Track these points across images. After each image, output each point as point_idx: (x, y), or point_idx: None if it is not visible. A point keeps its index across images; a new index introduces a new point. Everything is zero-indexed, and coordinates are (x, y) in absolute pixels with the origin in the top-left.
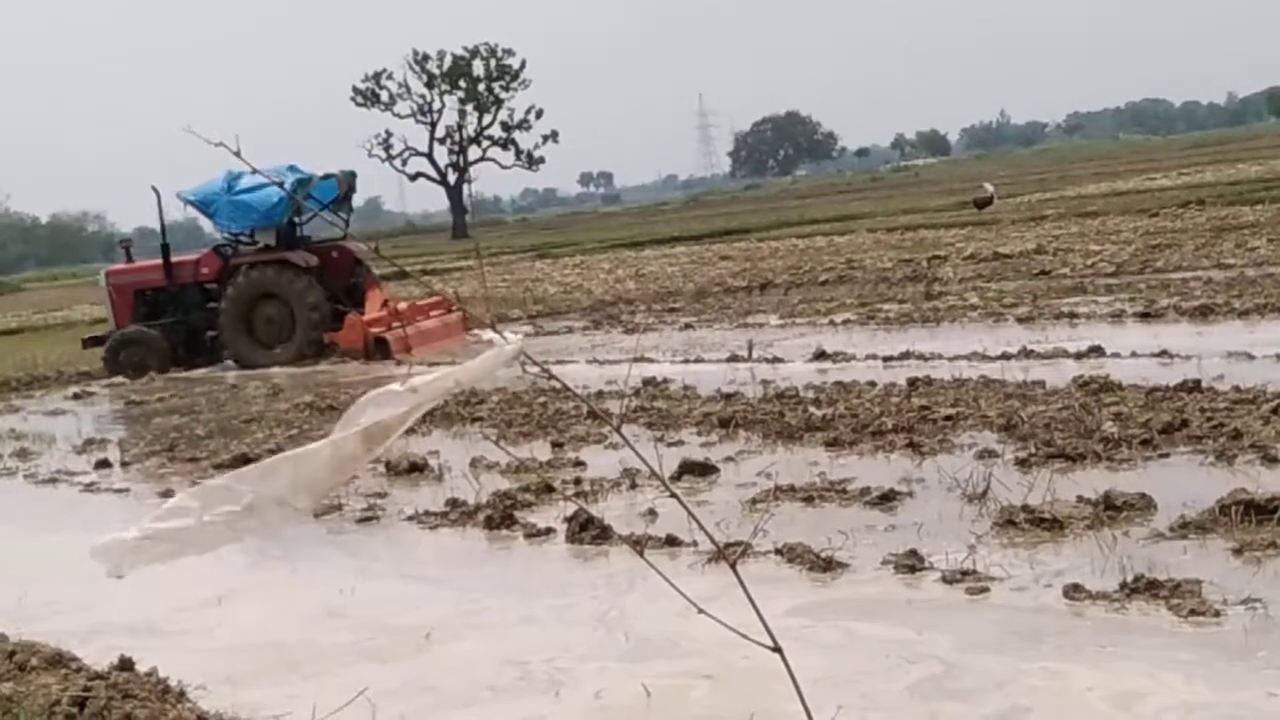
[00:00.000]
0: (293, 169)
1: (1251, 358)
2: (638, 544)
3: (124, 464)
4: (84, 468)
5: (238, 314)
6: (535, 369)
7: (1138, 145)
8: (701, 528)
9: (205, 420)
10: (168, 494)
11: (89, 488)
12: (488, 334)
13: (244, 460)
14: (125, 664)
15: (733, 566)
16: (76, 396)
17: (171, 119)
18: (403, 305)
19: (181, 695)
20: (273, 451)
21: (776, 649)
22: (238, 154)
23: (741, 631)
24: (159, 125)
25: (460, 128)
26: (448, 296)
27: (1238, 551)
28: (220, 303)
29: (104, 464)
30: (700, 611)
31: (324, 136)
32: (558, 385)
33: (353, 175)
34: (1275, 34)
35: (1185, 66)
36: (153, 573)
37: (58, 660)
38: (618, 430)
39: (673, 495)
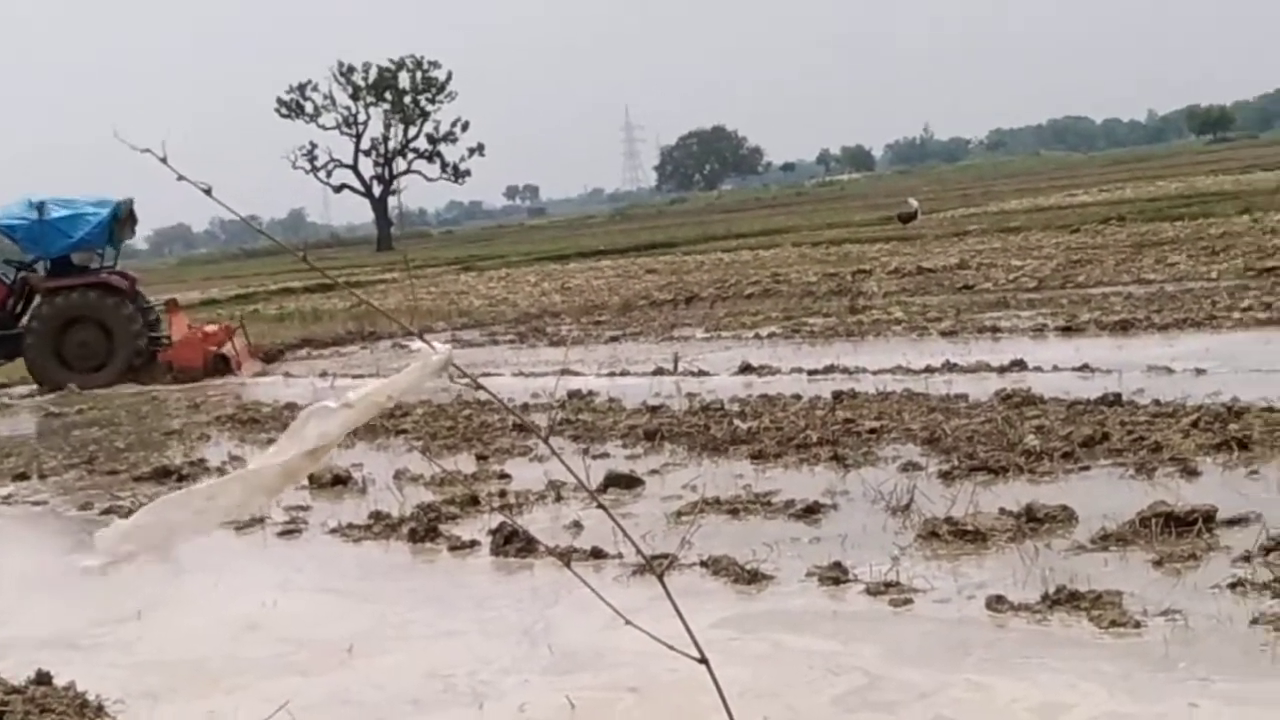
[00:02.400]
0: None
1: (1171, 372)
2: (564, 556)
3: (42, 476)
4: (0, 480)
5: (46, 339)
6: (463, 380)
7: (1059, 162)
8: (629, 539)
9: (125, 433)
10: (86, 506)
11: (5, 500)
12: (416, 344)
13: (164, 473)
14: (42, 678)
15: (660, 578)
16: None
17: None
18: (211, 327)
19: (100, 710)
20: (193, 465)
21: (703, 660)
22: (164, 161)
23: (668, 643)
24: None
25: (386, 140)
26: (226, 328)
27: (1158, 563)
28: (11, 329)
29: (22, 476)
30: (628, 623)
31: (246, 148)
32: (484, 396)
33: (131, 202)
34: (1194, 54)
35: (1106, 85)
36: (71, 586)
37: None
38: (545, 441)
39: (600, 506)
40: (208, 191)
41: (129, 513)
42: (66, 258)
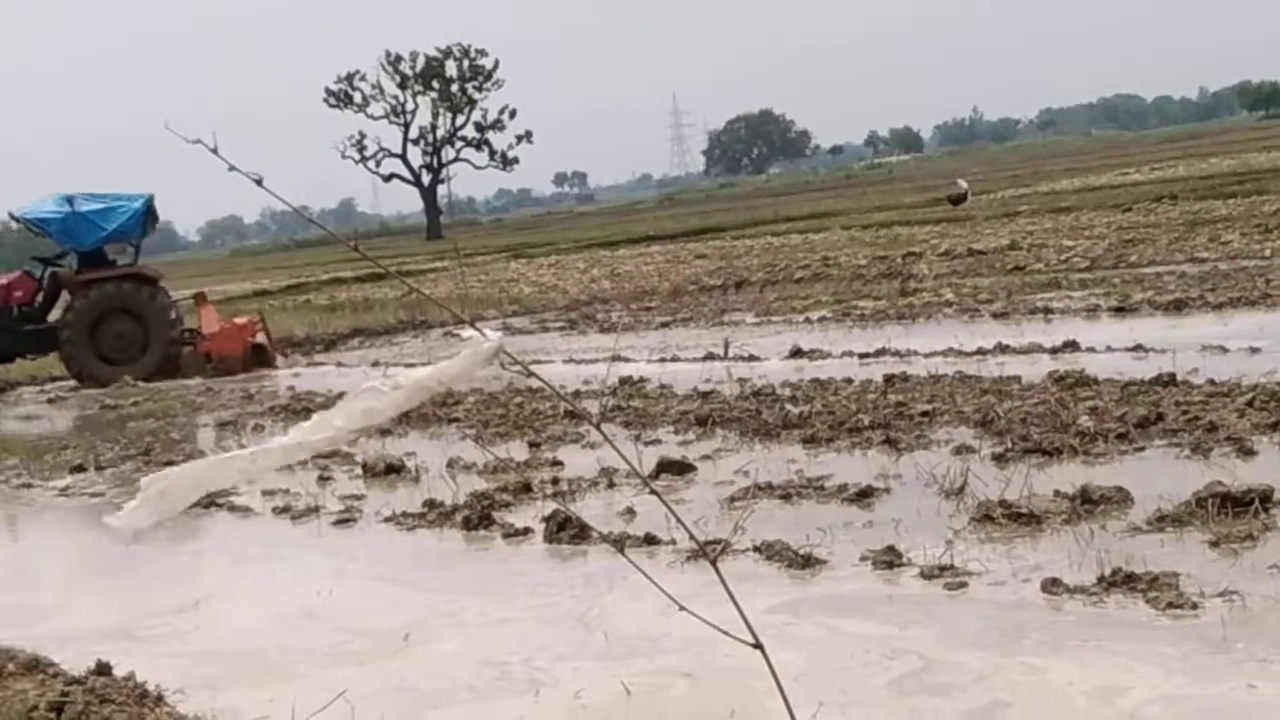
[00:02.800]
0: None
1: (1225, 351)
2: (618, 542)
3: (99, 468)
4: (59, 471)
5: (82, 333)
6: (515, 367)
7: (1110, 140)
8: (682, 524)
9: (180, 424)
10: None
11: (63, 492)
12: (468, 332)
13: None
14: (102, 669)
15: (713, 563)
16: (50, 401)
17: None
18: (241, 320)
19: (160, 699)
20: None
21: (758, 645)
22: (214, 151)
23: (723, 628)
24: (130, 127)
25: (434, 128)
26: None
27: (1214, 544)
28: (41, 324)
29: (79, 469)
30: (681, 608)
31: (295, 137)
32: (535, 384)
33: (153, 198)
34: (1246, 28)
35: (1157, 61)
36: (129, 576)
37: (34, 665)
38: (598, 428)
39: (653, 492)
40: (259, 182)
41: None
42: (95, 252)
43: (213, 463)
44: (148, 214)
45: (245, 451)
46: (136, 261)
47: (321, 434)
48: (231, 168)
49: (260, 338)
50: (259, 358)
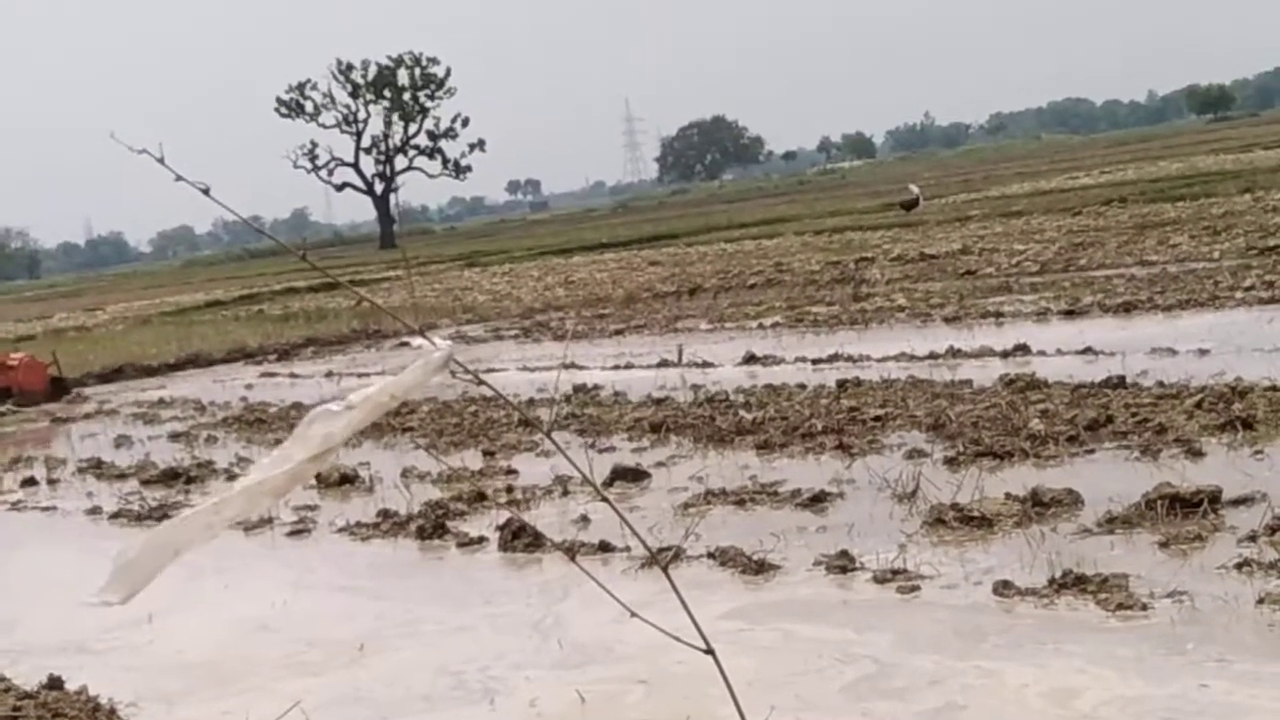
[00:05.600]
0: None
1: (1174, 353)
2: (571, 550)
3: (50, 481)
4: (10, 486)
5: None
6: (466, 376)
7: (1060, 144)
8: (634, 532)
9: (130, 437)
10: (95, 511)
11: (15, 506)
12: (418, 342)
13: (173, 475)
14: (54, 683)
15: (665, 570)
16: (1, 414)
17: (92, 134)
18: (15, 356)
19: (112, 713)
20: (201, 466)
21: (709, 651)
22: (161, 161)
23: (674, 635)
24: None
25: (386, 137)
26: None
27: (1164, 545)
28: None
29: (30, 482)
30: (634, 616)
31: (247, 148)
32: (489, 393)
33: None
34: (1194, 33)
35: (1106, 65)
36: (83, 591)
37: None
38: (549, 436)
39: (604, 500)
40: (206, 191)
41: (147, 516)
42: None
43: (175, 524)
44: None
45: (207, 504)
46: None
47: (282, 469)
48: (178, 177)
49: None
50: (57, 389)
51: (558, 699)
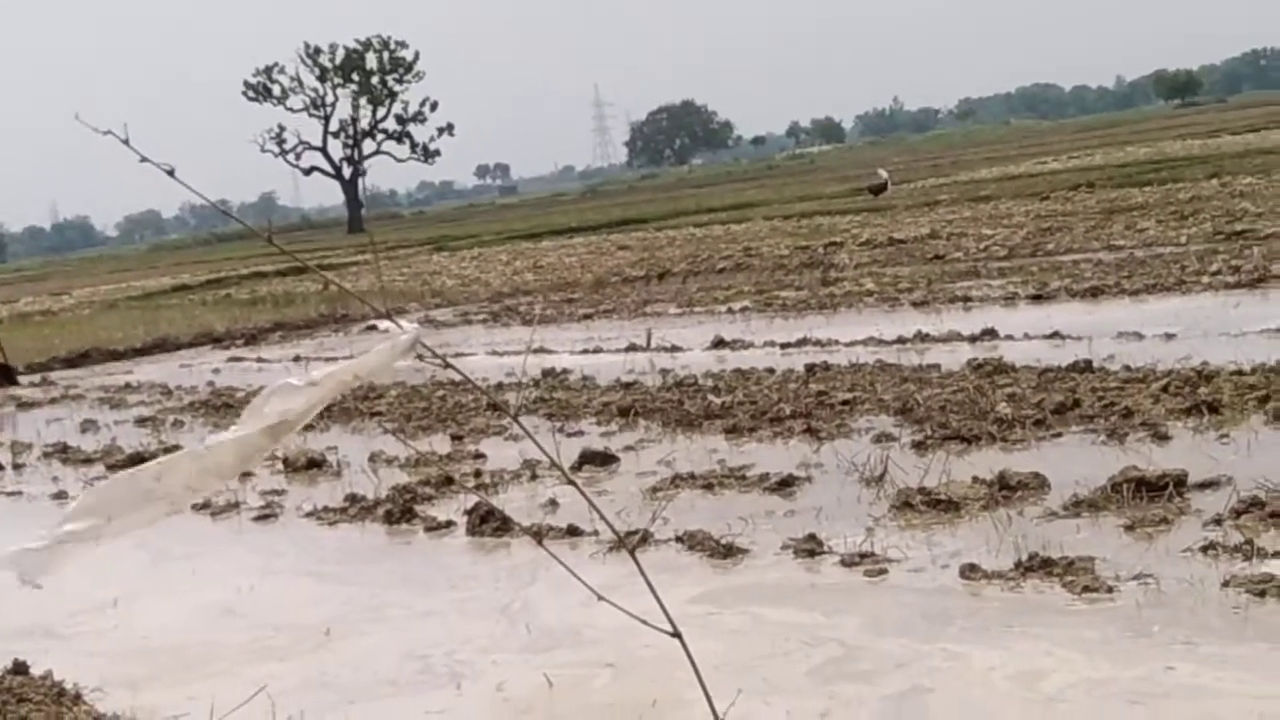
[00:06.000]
0: None
1: (1141, 337)
2: (538, 534)
3: (16, 466)
4: None
5: None
6: (433, 359)
7: (1028, 130)
8: (601, 516)
9: (96, 422)
10: (61, 495)
11: None
12: (385, 325)
13: (139, 459)
14: (19, 668)
15: (632, 553)
16: (9, 393)
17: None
18: None
19: (78, 698)
20: (168, 451)
21: (676, 634)
22: (126, 142)
23: (641, 617)
24: (44, 123)
25: (354, 121)
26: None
27: (1129, 528)
28: None
29: None
30: (601, 599)
31: (214, 131)
32: (458, 377)
33: None
34: (1162, 18)
35: (1074, 51)
36: (47, 574)
37: None
38: (516, 420)
39: (571, 484)
40: (170, 173)
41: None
42: None
43: (111, 483)
44: None
45: (150, 466)
46: None
47: (236, 450)
48: (143, 159)
49: None
50: (3, 376)
51: (525, 682)
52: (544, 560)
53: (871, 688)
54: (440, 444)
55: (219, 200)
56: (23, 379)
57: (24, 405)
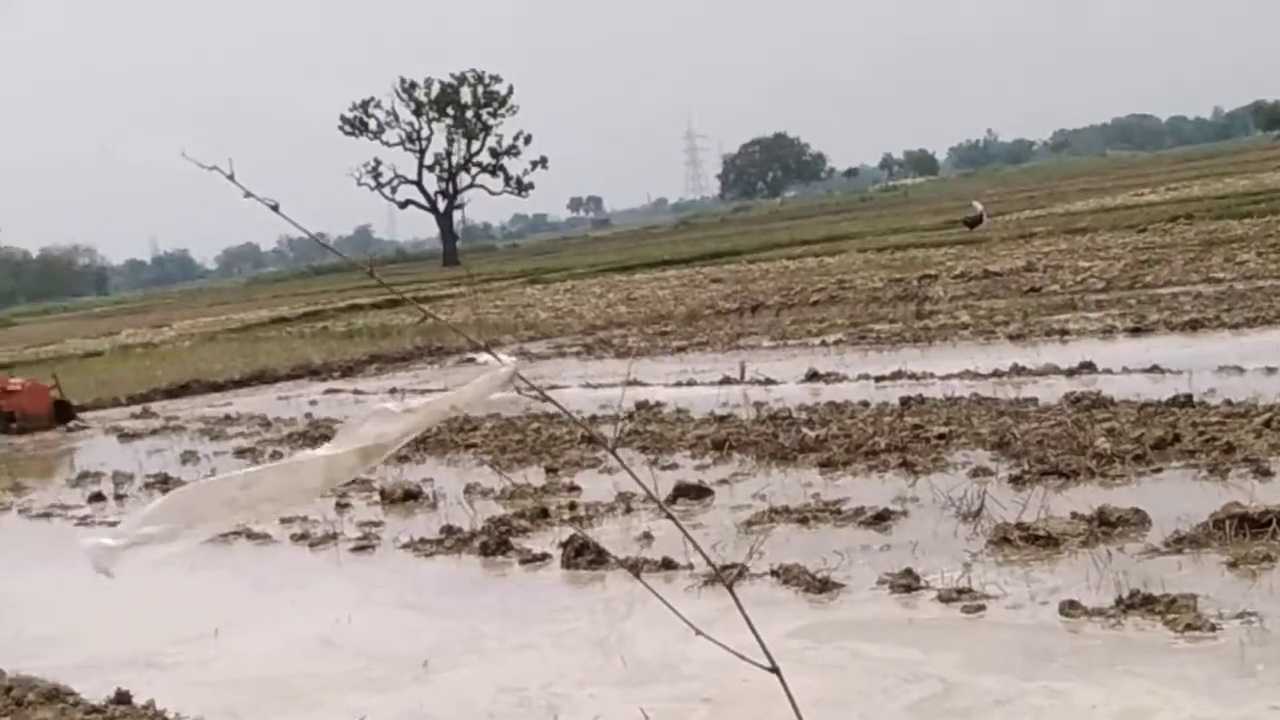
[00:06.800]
0: None
1: (1242, 371)
2: (635, 568)
3: (118, 496)
4: (78, 501)
5: None
6: (530, 392)
7: (1125, 161)
8: (698, 549)
9: (198, 454)
10: None
11: (83, 521)
12: (483, 357)
13: None
14: (122, 697)
15: (729, 588)
16: (69, 429)
17: (158, 150)
18: (15, 382)
19: None
20: None
21: (774, 669)
22: (231, 178)
23: (739, 653)
24: (148, 157)
25: (449, 155)
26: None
27: (1232, 565)
28: None
29: (98, 497)
30: (698, 633)
31: (310, 165)
32: (552, 409)
33: None
34: (1261, 47)
35: (1171, 82)
36: (149, 604)
37: (55, 695)
38: (613, 453)
39: (669, 517)
40: (275, 208)
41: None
42: None
43: (197, 488)
44: None
45: (237, 474)
46: None
47: (325, 470)
48: (248, 194)
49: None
50: (63, 414)
51: (621, 717)
52: (639, 594)
53: None
54: (535, 476)
55: (317, 233)
56: (122, 411)
57: (125, 436)
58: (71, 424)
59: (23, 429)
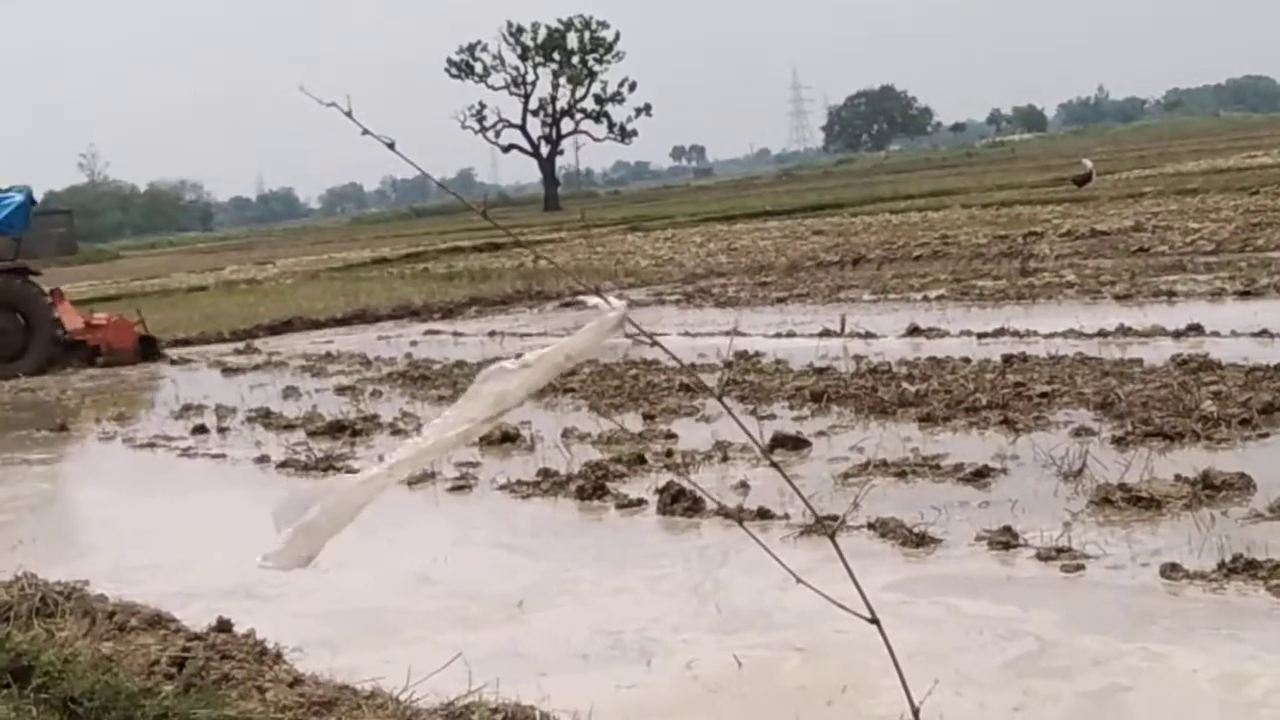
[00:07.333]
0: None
1: None
2: (738, 516)
3: (220, 429)
4: (181, 433)
5: None
6: (639, 337)
7: (1238, 122)
8: (801, 498)
9: (298, 389)
10: (263, 459)
11: (185, 453)
12: (593, 301)
13: (339, 428)
14: (223, 625)
15: (832, 538)
16: (173, 362)
17: (267, 87)
18: (100, 317)
19: (278, 657)
20: (366, 420)
21: (874, 620)
22: (349, 114)
23: (840, 603)
24: (257, 95)
25: (553, 100)
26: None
27: None
28: None
29: (201, 429)
30: (799, 582)
31: (411, 107)
32: (650, 356)
33: (31, 191)
34: None
35: None
36: (250, 537)
37: (156, 621)
38: (720, 400)
39: (773, 465)
40: (391, 145)
41: (314, 467)
42: None
43: (354, 488)
44: (30, 207)
45: (381, 468)
46: (18, 256)
47: (455, 429)
48: (365, 131)
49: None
50: (147, 350)
51: (714, 663)
52: (734, 542)
53: (1068, 684)
54: (632, 422)
55: (439, 177)
56: (225, 346)
57: (229, 370)
58: (157, 359)
59: (108, 363)
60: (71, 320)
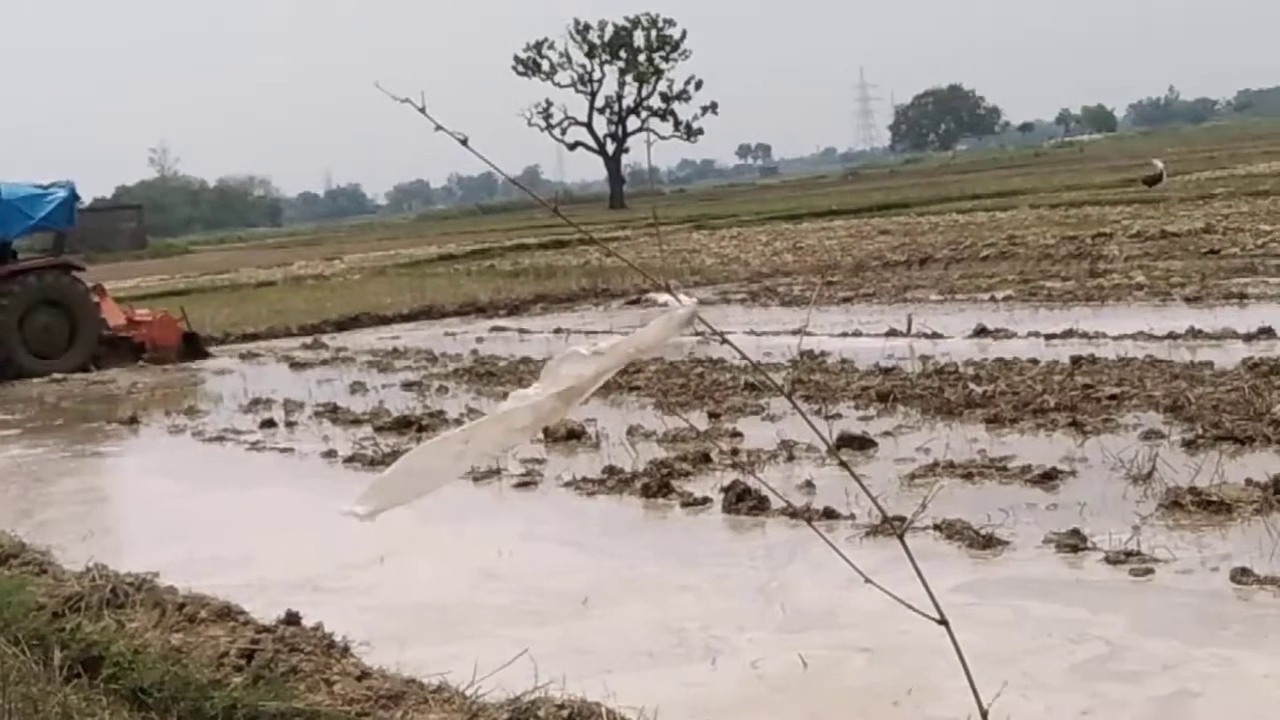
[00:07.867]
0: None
1: None
2: (805, 515)
3: (288, 424)
4: (250, 427)
5: (13, 325)
6: (708, 333)
7: None
8: (870, 497)
9: (364, 385)
10: (330, 454)
11: (254, 446)
12: (663, 298)
13: (405, 423)
14: (291, 618)
15: (900, 538)
16: (242, 357)
17: (336, 86)
18: (143, 312)
19: (346, 650)
20: (432, 416)
21: (943, 621)
22: (423, 110)
23: (908, 603)
24: (325, 92)
25: (620, 97)
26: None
27: None
28: None
29: (269, 423)
30: (868, 581)
31: (482, 105)
32: (716, 355)
33: (74, 186)
34: None
35: None
36: (317, 530)
37: (226, 613)
38: (789, 398)
39: (841, 464)
40: (464, 142)
41: (380, 462)
42: (4, 244)
43: (427, 448)
44: (74, 203)
45: (457, 432)
46: (62, 252)
47: (528, 403)
48: (438, 127)
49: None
50: (191, 347)
51: (779, 662)
52: (800, 541)
53: (1137, 688)
54: (698, 421)
55: (486, 173)
56: (293, 340)
57: (296, 365)
58: (202, 357)
59: (153, 360)
60: (114, 316)
